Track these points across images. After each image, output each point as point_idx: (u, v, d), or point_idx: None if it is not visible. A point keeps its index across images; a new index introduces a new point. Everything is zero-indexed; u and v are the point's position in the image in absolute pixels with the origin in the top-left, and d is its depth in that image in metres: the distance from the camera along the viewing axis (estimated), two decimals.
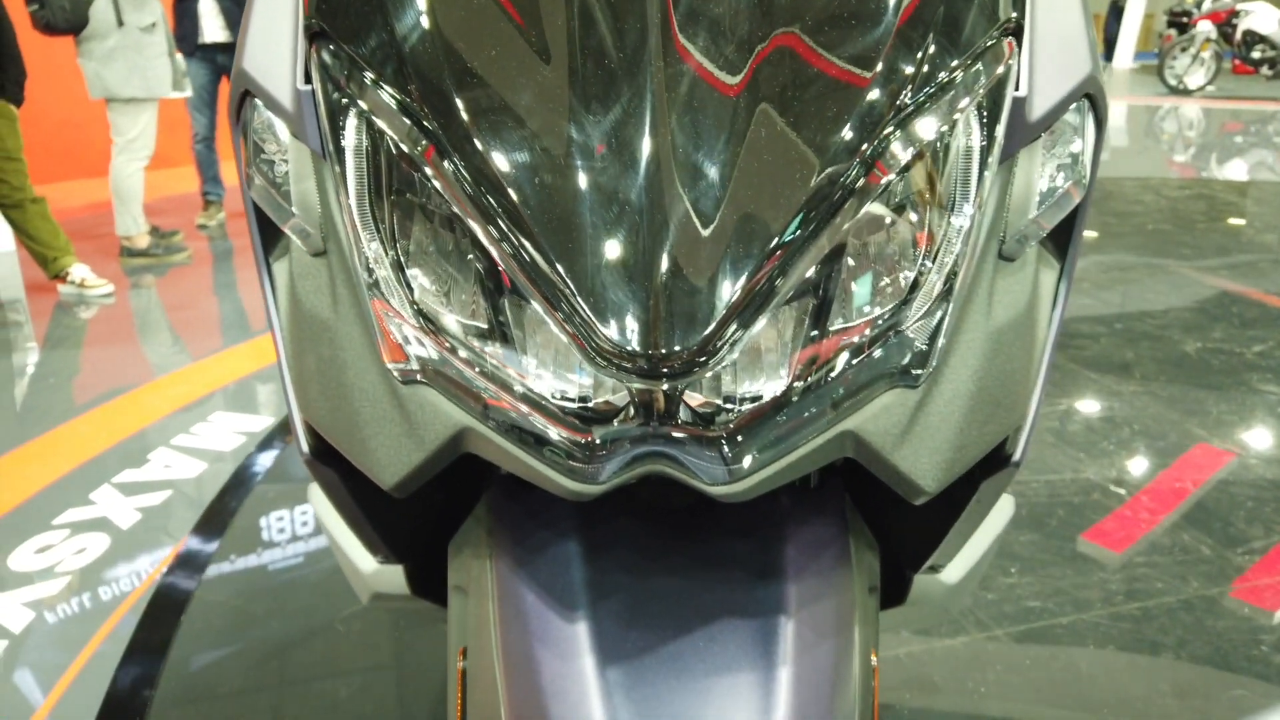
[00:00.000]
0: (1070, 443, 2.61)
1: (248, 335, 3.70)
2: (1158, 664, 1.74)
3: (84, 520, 2.32)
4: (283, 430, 2.78)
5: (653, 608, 0.76)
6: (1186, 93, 12.64)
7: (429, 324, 0.67)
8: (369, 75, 0.66)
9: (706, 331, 0.59)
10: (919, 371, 0.68)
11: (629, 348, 0.59)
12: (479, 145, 0.62)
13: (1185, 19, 13.37)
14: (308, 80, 0.71)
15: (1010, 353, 0.73)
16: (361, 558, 0.94)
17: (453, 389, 0.68)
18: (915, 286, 0.68)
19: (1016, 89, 0.71)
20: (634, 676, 0.72)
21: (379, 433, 0.71)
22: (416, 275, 0.67)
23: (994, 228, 0.72)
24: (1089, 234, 5.03)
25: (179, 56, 4.71)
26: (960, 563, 0.97)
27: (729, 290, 0.60)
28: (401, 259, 0.67)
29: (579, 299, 0.59)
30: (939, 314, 0.69)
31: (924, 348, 0.68)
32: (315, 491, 0.99)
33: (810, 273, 0.63)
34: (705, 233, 0.60)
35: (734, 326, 0.60)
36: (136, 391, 3.14)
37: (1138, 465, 2.49)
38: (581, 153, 0.62)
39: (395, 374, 0.69)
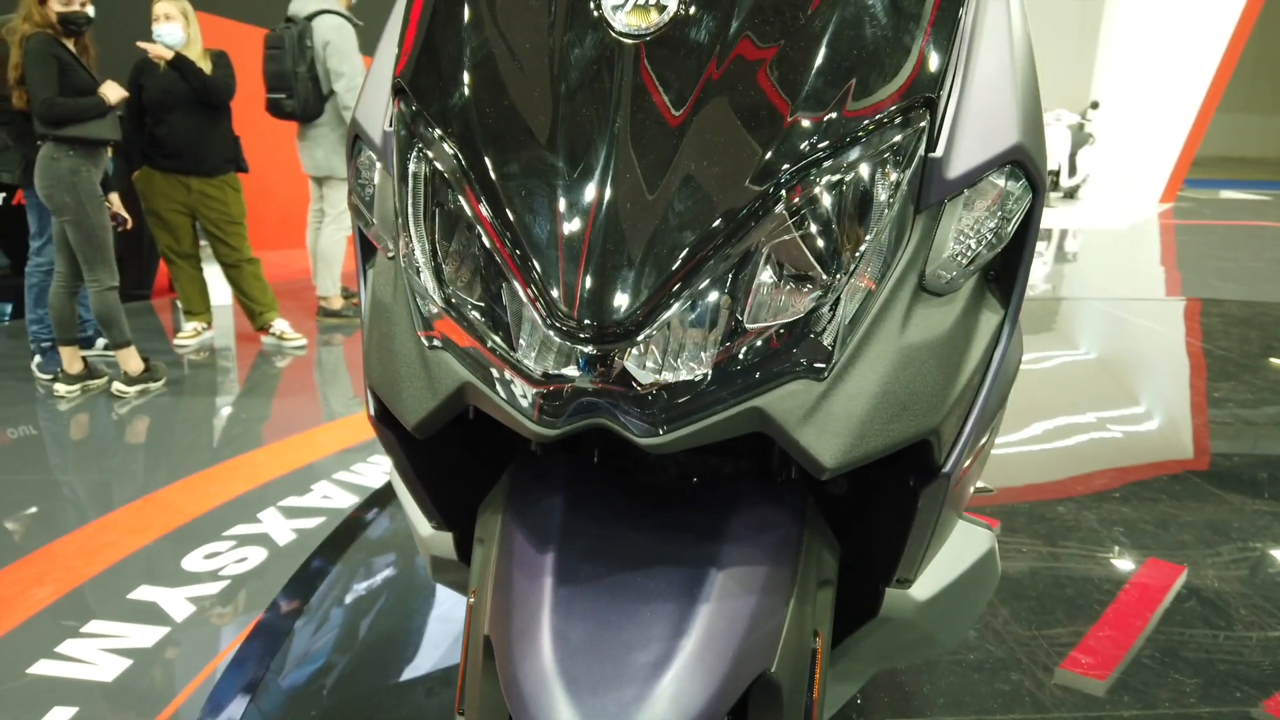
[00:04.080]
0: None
1: None
2: None
3: (249, 535, 2.60)
4: None
5: (610, 550, 0.91)
6: None
7: (448, 305, 0.87)
8: (429, 121, 0.89)
9: (635, 309, 0.77)
10: (823, 366, 0.81)
11: (574, 318, 0.77)
12: (491, 173, 0.84)
13: None
14: (392, 124, 0.95)
15: (922, 369, 0.86)
16: (421, 522, 1.11)
17: (459, 353, 0.87)
18: (824, 297, 0.81)
19: (934, 150, 0.85)
20: (580, 595, 0.86)
21: (409, 386, 0.91)
22: (445, 269, 0.87)
23: (913, 262, 0.86)
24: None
25: None
26: (929, 581, 1.08)
27: (656, 279, 0.77)
28: (437, 258, 0.88)
29: (542, 281, 0.79)
30: (846, 323, 0.82)
31: (830, 348, 0.82)
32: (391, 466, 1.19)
33: (728, 273, 0.79)
34: (640, 234, 0.78)
35: (658, 307, 0.77)
36: (312, 431, 3.49)
37: None
38: (559, 175, 0.82)
39: (424, 342, 0.89)
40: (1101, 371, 4.47)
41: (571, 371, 0.79)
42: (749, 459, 1.09)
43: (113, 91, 3.58)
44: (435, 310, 0.87)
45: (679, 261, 0.77)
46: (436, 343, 0.88)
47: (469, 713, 0.93)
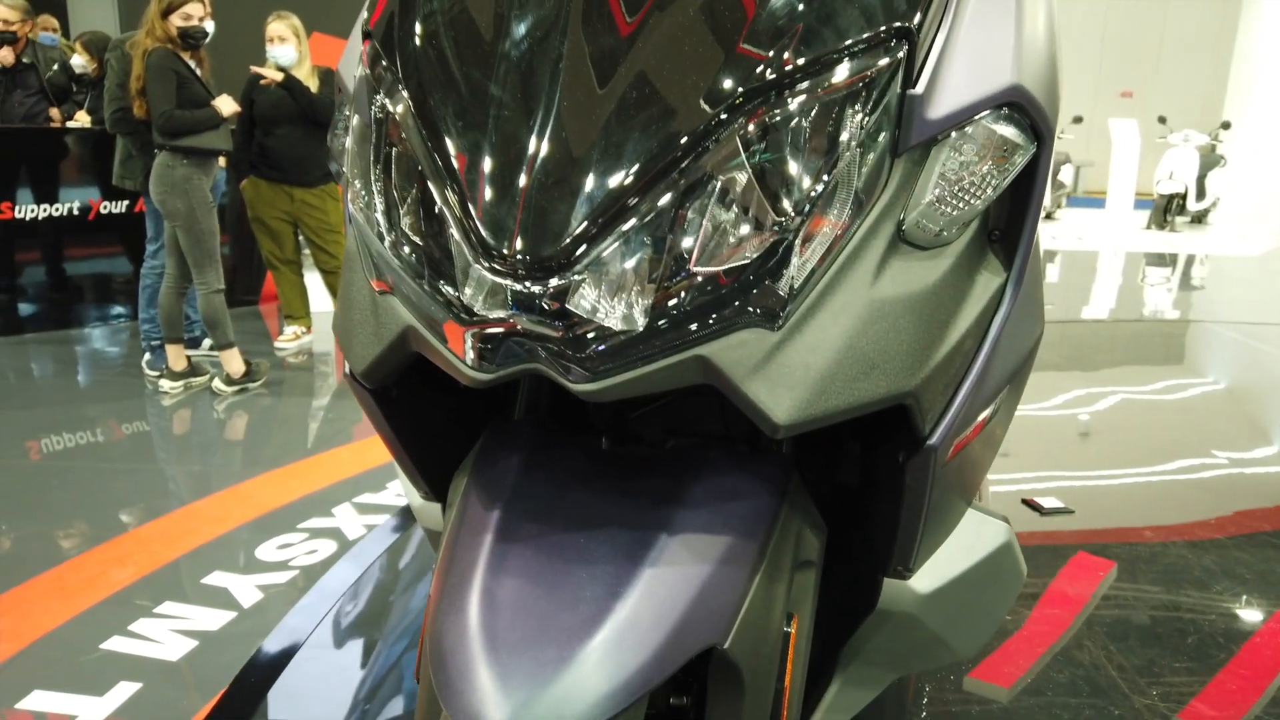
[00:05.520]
0: None
1: None
2: None
3: (321, 528, 2.65)
4: None
5: (558, 511, 0.87)
6: None
7: (396, 250, 0.84)
8: (390, 69, 0.87)
9: (569, 239, 0.71)
10: (777, 314, 0.75)
11: (507, 252, 0.73)
12: (437, 114, 0.81)
13: None
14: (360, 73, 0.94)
15: (896, 325, 0.78)
16: (413, 493, 1.09)
17: (405, 298, 0.84)
18: (781, 239, 0.74)
19: (914, 86, 0.77)
20: (516, 553, 0.82)
21: (359, 332, 0.89)
22: (395, 215, 0.84)
23: (890, 208, 0.79)
24: None
25: None
26: (932, 573, 1.00)
27: (592, 207, 0.71)
28: (389, 204, 0.84)
29: (478, 217, 0.74)
30: (808, 270, 0.75)
31: (785, 295, 0.75)
32: None
33: (675, 206, 0.73)
34: (580, 162, 0.72)
35: (595, 238, 0.72)
36: None
37: None
38: (503, 107, 0.78)
39: (374, 287, 0.87)
40: (1230, 403, 4.16)
41: (507, 313, 0.75)
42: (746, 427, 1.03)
43: (226, 105, 3.78)
44: (385, 256, 0.85)
45: (619, 188, 0.72)
46: (385, 288, 0.86)
47: (422, 679, 0.91)
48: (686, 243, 0.73)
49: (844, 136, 0.74)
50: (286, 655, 1.99)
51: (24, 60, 5.49)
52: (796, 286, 0.75)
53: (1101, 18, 15.14)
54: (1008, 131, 0.80)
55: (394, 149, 0.84)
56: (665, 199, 0.73)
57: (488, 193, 0.75)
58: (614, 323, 0.74)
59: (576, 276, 0.73)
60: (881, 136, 0.76)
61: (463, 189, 0.76)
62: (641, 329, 0.74)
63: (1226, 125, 12.34)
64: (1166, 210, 11.27)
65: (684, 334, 0.75)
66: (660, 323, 0.74)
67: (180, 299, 3.96)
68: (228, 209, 5.41)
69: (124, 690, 1.88)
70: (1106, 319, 6.02)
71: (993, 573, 1.06)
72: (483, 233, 0.74)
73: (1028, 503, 2.79)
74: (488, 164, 0.76)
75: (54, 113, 5.60)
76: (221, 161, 4.12)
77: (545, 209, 0.72)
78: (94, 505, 2.83)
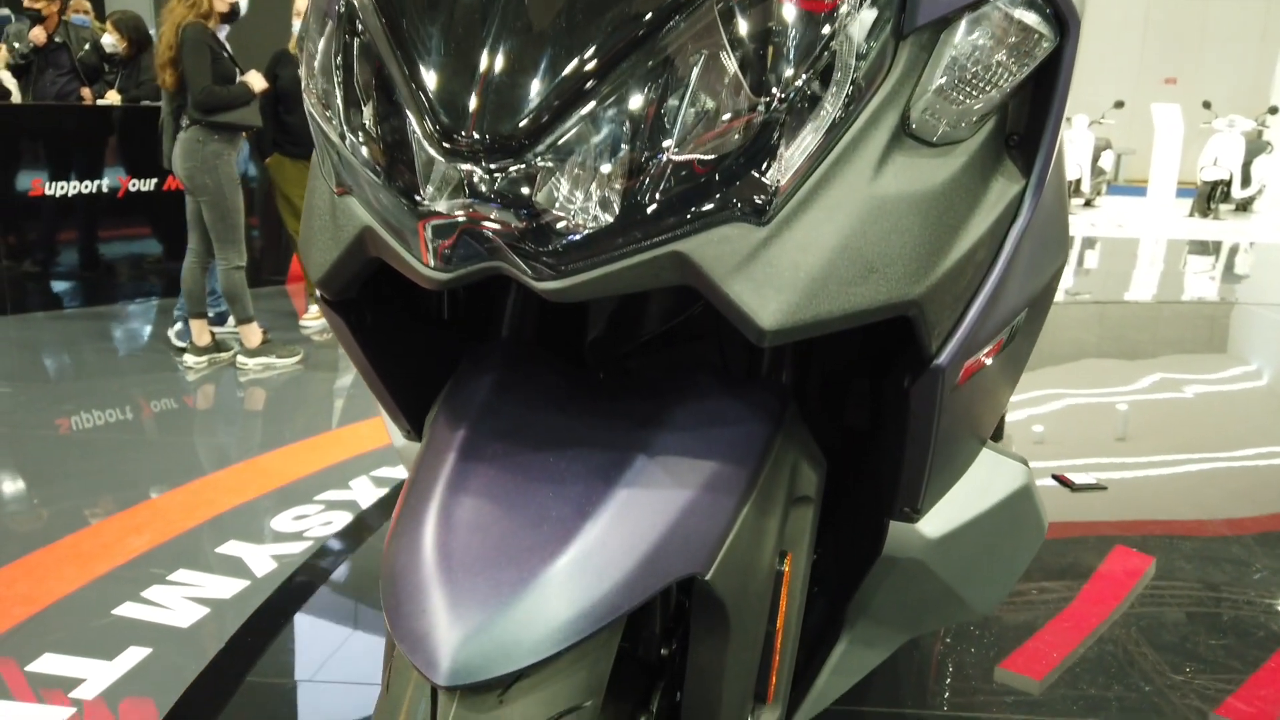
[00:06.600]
0: None
1: None
2: None
3: (338, 500, 2.63)
4: None
5: (528, 431, 0.81)
6: None
7: (355, 151, 0.77)
8: None
9: (531, 117, 0.65)
10: (764, 208, 0.68)
11: (465, 133, 0.66)
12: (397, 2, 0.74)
13: None
14: None
15: (899, 225, 0.71)
16: (395, 433, 1.02)
17: (363, 198, 0.78)
18: (768, 124, 0.67)
19: None
20: (479, 471, 0.76)
21: (318, 239, 0.83)
22: (351, 115, 0.77)
23: (893, 96, 0.71)
24: None
25: None
26: (941, 516, 0.93)
27: (552, 84, 0.65)
28: (349, 104, 0.78)
29: (436, 98, 0.68)
30: (800, 159, 0.68)
31: (772, 187, 0.68)
32: None
33: (648, 83, 0.66)
34: (540, 32, 0.66)
35: (560, 116, 0.65)
36: None
37: None
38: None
39: (333, 188, 0.81)
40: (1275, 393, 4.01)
41: (466, 203, 0.68)
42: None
43: (257, 82, 3.78)
44: (344, 156, 0.79)
45: (584, 61, 0.65)
46: (344, 191, 0.80)
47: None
48: (661, 126, 0.66)
49: (840, 8, 0.67)
50: (286, 614, 1.97)
51: (56, 40, 5.54)
52: (786, 178, 0.68)
53: (1144, 2, 14.81)
54: (1028, 17, 0.73)
55: (355, 40, 0.78)
56: (636, 75, 0.66)
57: (446, 72, 0.69)
58: (581, 214, 0.67)
59: (540, 161, 0.66)
60: (884, 13, 0.69)
61: (420, 72, 0.70)
62: (612, 221, 0.67)
63: (1274, 110, 11.99)
64: (1210, 197, 10.99)
65: (660, 228, 0.68)
66: (635, 216, 0.67)
67: (204, 273, 3.96)
68: (255, 190, 5.43)
69: (134, 655, 1.86)
70: (1149, 301, 5.86)
71: (1009, 519, 0.99)
72: (440, 114, 0.68)
73: (1059, 478, 2.69)
74: (446, 44, 0.70)
75: (85, 92, 5.65)
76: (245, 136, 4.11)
77: (505, 86, 0.66)
78: (114, 475, 2.83)
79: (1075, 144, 11.17)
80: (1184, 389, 3.82)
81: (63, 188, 5.01)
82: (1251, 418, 3.47)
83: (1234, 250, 8.58)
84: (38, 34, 5.44)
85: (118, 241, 5.38)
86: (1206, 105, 11.33)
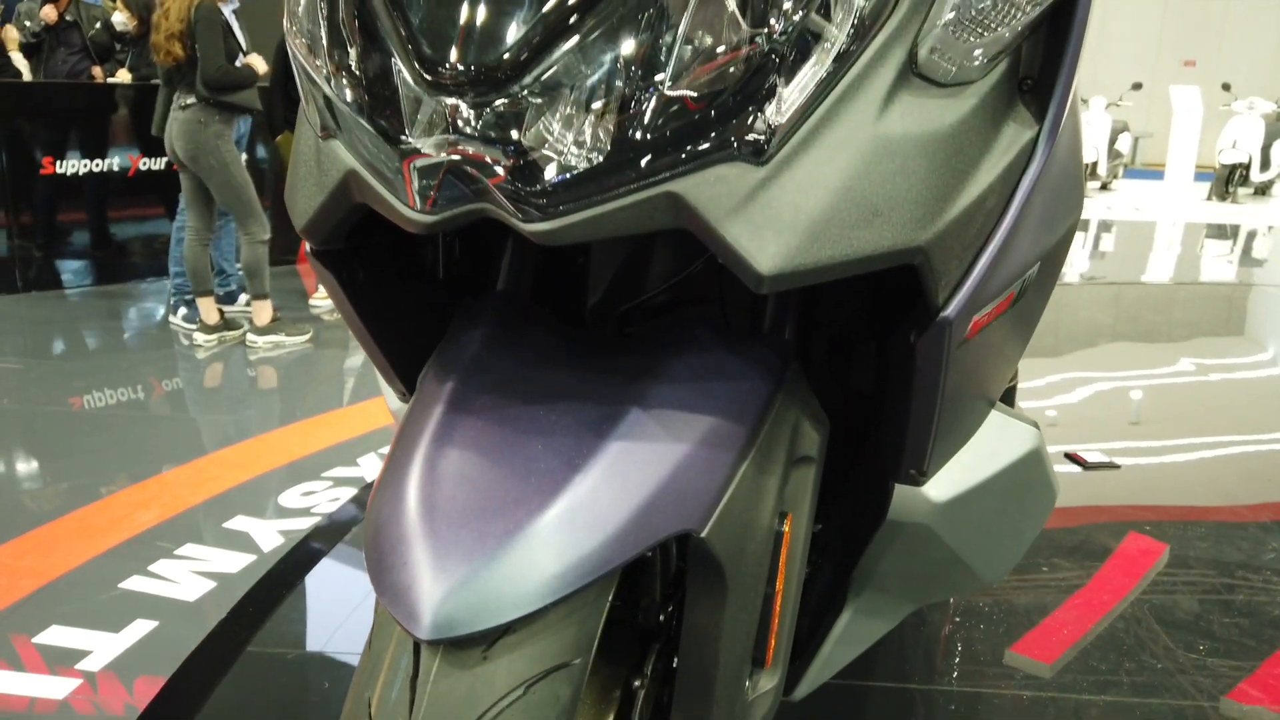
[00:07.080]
0: None
1: None
2: None
3: (346, 476, 2.62)
4: None
5: (519, 384, 0.79)
6: None
7: (340, 93, 0.75)
8: None
9: (516, 46, 0.63)
10: (763, 145, 0.65)
11: (448, 64, 0.64)
12: None
13: None
14: None
15: (905, 167, 0.68)
16: (390, 395, 1.01)
17: (347, 140, 0.76)
18: (767, 57, 0.65)
19: None
20: (466, 424, 0.74)
21: (302, 184, 0.81)
22: (335, 53, 0.75)
23: (899, 33, 0.69)
24: None
25: None
26: (948, 479, 0.90)
27: (539, 11, 0.62)
28: (333, 43, 0.75)
29: (419, 28, 0.66)
30: (803, 96, 0.66)
31: (771, 125, 0.65)
32: None
33: (640, 13, 0.63)
34: None
35: (547, 45, 0.63)
36: None
37: None
38: None
39: (318, 132, 0.78)
40: None
41: (451, 139, 0.66)
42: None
43: (259, 64, 3.77)
44: (328, 96, 0.76)
45: None
46: (329, 135, 0.78)
47: None
48: (654, 58, 0.64)
49: None
50: (288, 585, 1.98)
51: (67, 19, 5.53)
52: (786, 116, 0.66)
53: None
54: None
55: None
56: (629, 4, 0.63)
57: (430, 3, 0.66)
58: (570, 151, 0.65)
59: (527, 95, 0.64)
60: None
61: (403, 3, 0.68)
62: (602, 160, 0.65)
63: None
64: (1229, 180, 10.85)
65: (653, 167, 0.65)
66: (626, 153, 0.65)
67: (205, 251, 3.96)
68: (266, 171, 5.42)
69: (140, 628, 1.86)
70: (1166, 283, 5.80)
71: (1019, 484, 0.96)
72: (423, 45, 0.65)
73: (1071, 456, 2.67)
74: None
75: (96, 70, 5.64)
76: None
77: (490, 14, 0.64)
78: (124, 451, 2.84)
79: (1092, 126, 11.05)
80: (1200, 372, 3.77)
81: (74, 166, 5.01)
82: (1268, 401, 3.42)
83: (1252, 234, 8.48)
84: (49, 12, 5.44)
85: (129, 221, 5.39)
86: (1226, 87, 11.17)
